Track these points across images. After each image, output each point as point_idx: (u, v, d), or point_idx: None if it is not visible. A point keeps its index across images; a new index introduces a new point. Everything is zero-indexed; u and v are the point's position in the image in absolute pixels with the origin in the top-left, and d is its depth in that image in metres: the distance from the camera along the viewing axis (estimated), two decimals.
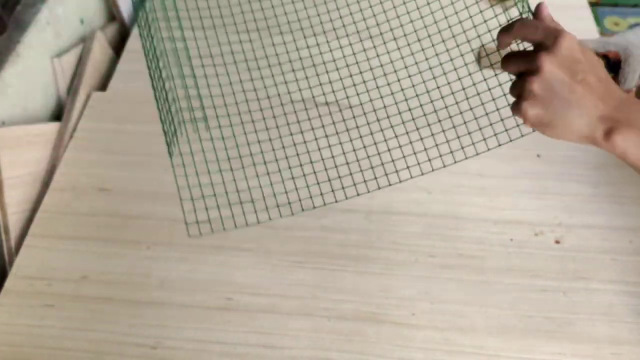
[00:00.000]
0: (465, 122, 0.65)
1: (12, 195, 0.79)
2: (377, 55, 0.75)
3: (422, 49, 0.72)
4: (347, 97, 0.72)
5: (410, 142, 0.66)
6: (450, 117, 0.66)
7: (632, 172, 0.83)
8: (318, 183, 0.65)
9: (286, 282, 0.74)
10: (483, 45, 0.66)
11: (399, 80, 0.70)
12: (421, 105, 0.68)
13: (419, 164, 0.63)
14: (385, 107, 0.70)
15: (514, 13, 0.56)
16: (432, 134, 0.65)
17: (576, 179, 0.83)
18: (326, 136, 0.70)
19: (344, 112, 0.73)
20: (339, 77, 0.73)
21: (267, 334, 0.69)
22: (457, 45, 0.69)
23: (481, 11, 0.66)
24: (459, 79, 0.66)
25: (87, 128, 0.91)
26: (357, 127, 0.69)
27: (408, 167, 0.64)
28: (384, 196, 0.81)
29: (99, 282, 0.74)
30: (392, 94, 0.70)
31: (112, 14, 1.11)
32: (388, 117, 0.69)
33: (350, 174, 0.65)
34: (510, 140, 0.59)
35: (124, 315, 0.71)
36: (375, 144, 0.67)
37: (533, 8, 0.51)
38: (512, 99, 0.48)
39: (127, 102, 0.94)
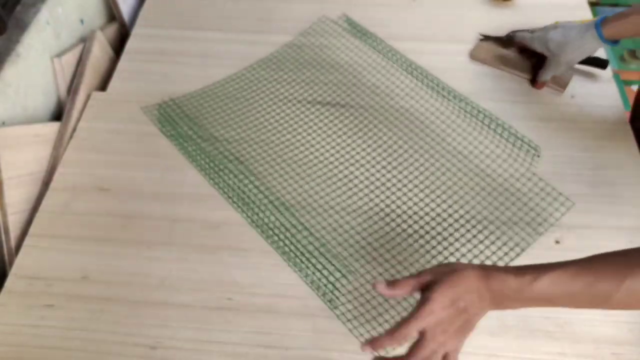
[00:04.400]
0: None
1: (12, 195, 0.79)
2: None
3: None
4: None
5: None
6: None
7: (632, 173, 0.84)
8: None
9: (286, 282, 0.74)
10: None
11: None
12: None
13: None
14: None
15: None
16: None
17: (576, 179, 0.83)
18: None
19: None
20: None
21: (267, 334, 0.69)
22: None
23: None
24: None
25: (87, 128, 0.91)
26: None
27: None
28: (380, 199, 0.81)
29: (99, 282, 0.74)
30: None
31: (112, 14, 1.11)
32: None
33: None
34: None
35: (124, 315, 0.71)
36: None
37: None
38: None
39: (127, 102, 0.94)
